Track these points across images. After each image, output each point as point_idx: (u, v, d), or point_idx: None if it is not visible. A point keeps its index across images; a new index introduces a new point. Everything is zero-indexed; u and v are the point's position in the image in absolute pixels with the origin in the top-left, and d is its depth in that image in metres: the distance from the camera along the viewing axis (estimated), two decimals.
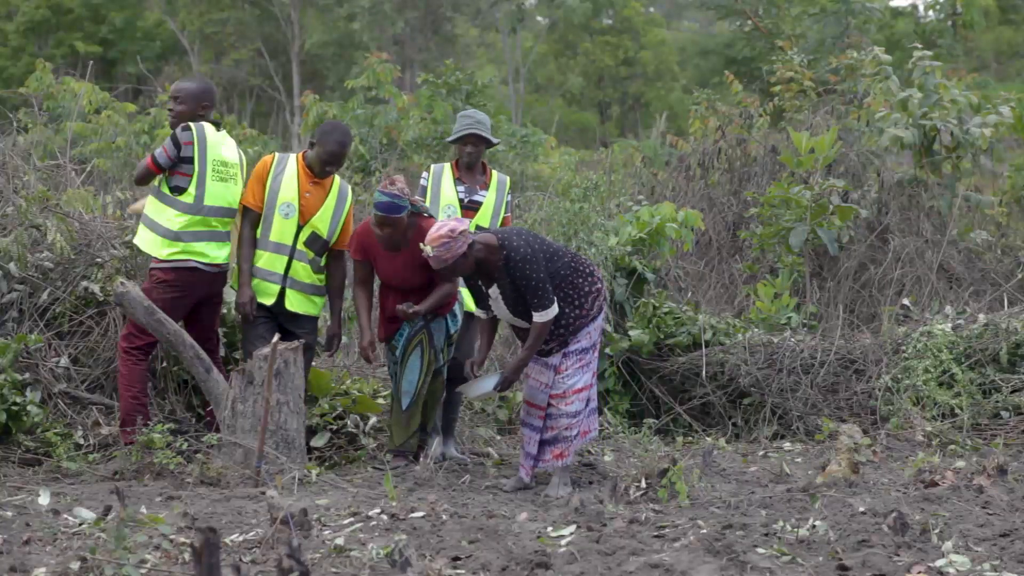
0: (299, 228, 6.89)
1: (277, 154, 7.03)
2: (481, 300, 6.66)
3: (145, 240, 6.85)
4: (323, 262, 7.03)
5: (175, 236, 6.73)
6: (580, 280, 6.58)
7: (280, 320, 6.92)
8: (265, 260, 6.89)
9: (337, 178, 7.07)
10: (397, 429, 6.97)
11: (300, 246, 6.90)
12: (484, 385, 6.59)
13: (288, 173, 6.91)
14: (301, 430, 6.60)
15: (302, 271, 6.91)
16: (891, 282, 10.70)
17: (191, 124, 6.77)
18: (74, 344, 7.42)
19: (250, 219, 6.94)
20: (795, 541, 4.74)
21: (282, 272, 6.89)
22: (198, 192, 6.75)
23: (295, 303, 6.92)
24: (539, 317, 6.41)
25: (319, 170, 6.91)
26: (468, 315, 7.20)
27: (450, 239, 6.26)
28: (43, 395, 6.99)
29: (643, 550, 4.60)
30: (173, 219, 6.73)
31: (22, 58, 31.18)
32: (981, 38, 31.66)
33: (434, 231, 6.31)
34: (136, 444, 6.43)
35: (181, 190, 6.75)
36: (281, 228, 6.87)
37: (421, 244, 6.37)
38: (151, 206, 6.85)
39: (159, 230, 6.76)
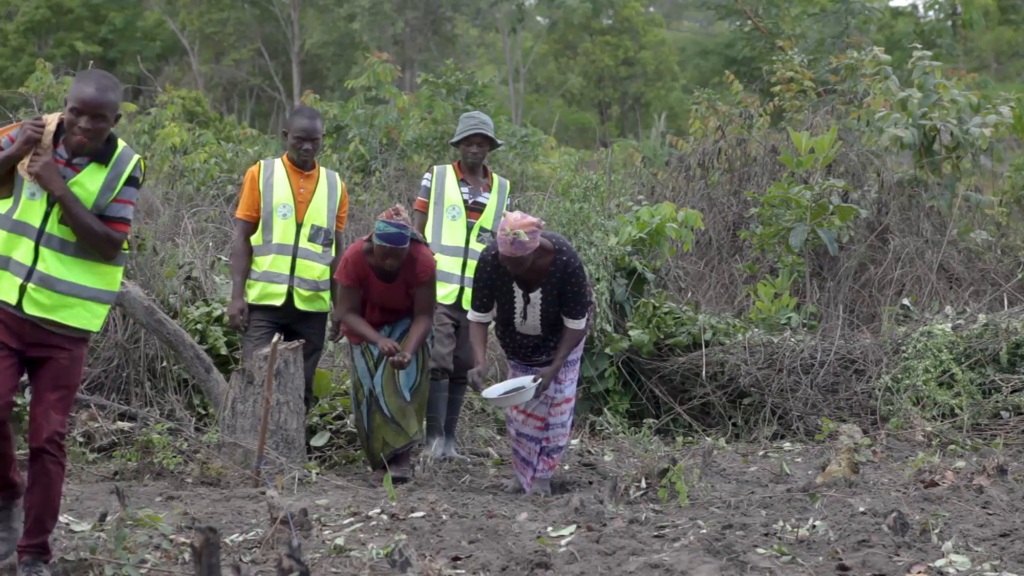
0: (299, 226, 6.89)
1: (262, 161, 7.03)
2: (490, 304, 6.50)
3: None
4: (332, 253, 6.98)
5: None
6: (587, 291, 6.60)
7: (288, 322, 6.85)
8: (271, 263, 6.85)
9: (322, 168, 7.07)
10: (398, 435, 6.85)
11: (304, 243, 6.88)
12: (523, 395, 6.37)
13: (278, 175, 6.92)
14: (301, 430, 6.60)
15: (307, 269, 6.88)
16: (891, 282, 10.69)
17: None
18: None
19: (245, 231, 6.92)
20: (795, 541, 4.74)
21: (288, 272, 6.86)
22: None
23: (303, 302, 6.89)
24: (576, 324, 6.43)
25: (298, 155, 6.91)
26: None
27: (537, 228, 6.10)
28: None
29: (643, 550, 4.60)
30: None
31: (22, 58, 31.21)
32: (981, 38, 31.71)
33: (519, 218, 6.04)
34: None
35: None
36: (283, 229, 6.86)
37: (506, 228, 6.06)
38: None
39: None
